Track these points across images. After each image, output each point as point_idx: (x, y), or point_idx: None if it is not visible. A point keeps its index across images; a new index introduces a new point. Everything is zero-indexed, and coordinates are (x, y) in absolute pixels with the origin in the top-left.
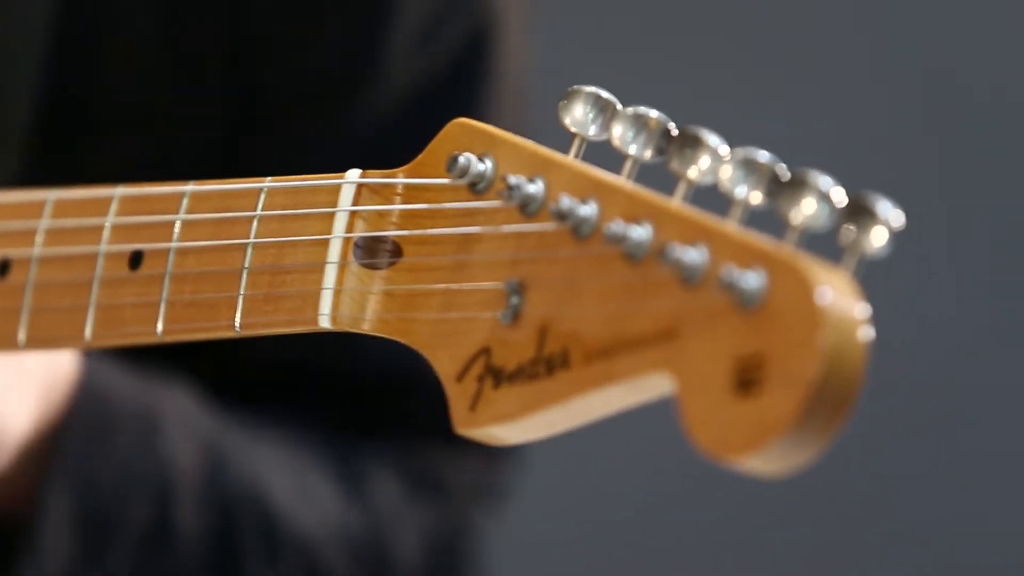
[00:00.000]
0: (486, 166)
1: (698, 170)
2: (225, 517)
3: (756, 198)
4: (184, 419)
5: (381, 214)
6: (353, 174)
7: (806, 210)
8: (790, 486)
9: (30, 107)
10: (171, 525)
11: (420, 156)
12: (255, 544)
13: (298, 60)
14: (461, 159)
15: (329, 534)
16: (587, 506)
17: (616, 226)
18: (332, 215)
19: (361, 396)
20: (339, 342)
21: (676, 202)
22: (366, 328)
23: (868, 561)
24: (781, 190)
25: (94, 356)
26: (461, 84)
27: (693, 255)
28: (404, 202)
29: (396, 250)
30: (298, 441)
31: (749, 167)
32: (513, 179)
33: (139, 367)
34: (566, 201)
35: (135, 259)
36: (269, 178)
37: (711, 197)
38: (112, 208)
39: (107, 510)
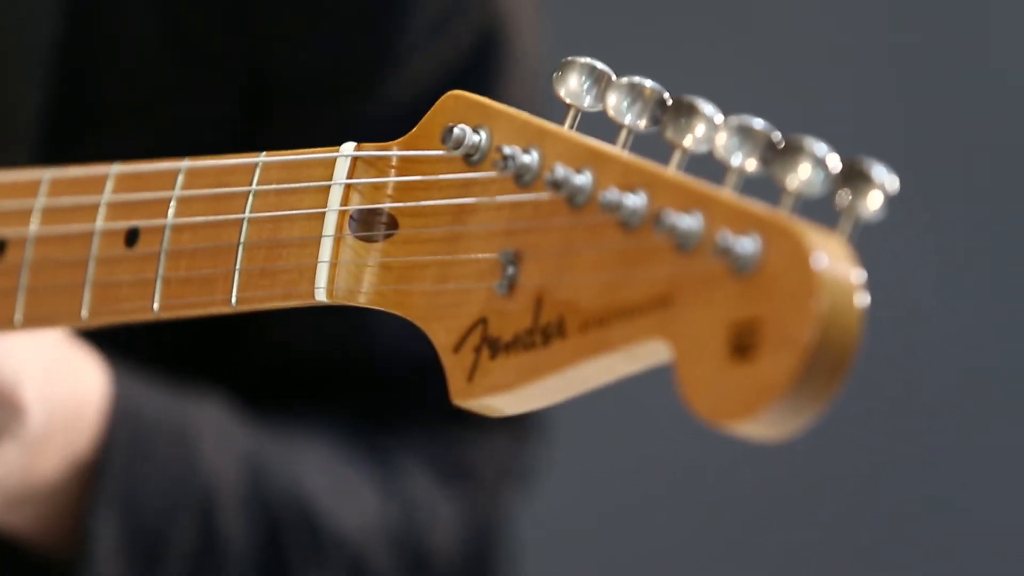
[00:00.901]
0: (481, 137)
1: (693, 138)
2: (270, 524)
3: (751, 165)
4: (219, 431)
5: (376, 187)
6: (348, 147)
7: (802, 175)
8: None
9: (35, 104)
10: (218, 538)
11: (415, 128)
12: (301, 548)
13: (307, 54)
14: (456, 130)
15: (371, 530)
16: (613, 488)
17: (611, 194)
18: (327, 188)
19: (385, 385)
20: (359, 332)
21: (671, 170)
22: (362, 301)
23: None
24: (776, 156)
25: (123, 376)
26: (474, 76)
27: (688, 222)
28: (399, 174)
29: (392, 222)
30: (329, 437)
31: (744, 134)
32: (508, 149)
33: (167, 378)
34: (561, 171)
35: (131, 237)
36: (264, 152)
37: (707, 165)
38: (107, 186)
39: (154, 530)
